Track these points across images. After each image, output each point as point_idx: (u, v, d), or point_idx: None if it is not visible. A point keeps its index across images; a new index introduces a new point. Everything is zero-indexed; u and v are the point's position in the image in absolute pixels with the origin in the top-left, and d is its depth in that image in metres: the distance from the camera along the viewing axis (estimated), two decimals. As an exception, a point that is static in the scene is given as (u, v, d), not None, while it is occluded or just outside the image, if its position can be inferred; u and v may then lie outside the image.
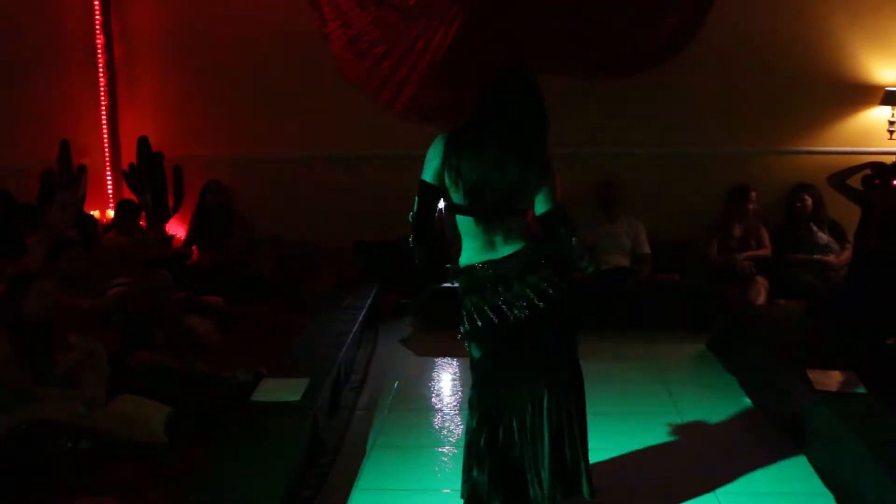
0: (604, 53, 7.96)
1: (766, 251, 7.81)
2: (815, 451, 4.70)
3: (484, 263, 3.86)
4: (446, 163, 3.79)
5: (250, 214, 8.40)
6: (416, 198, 3.89)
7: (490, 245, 3.86)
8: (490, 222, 3.84)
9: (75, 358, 5.16)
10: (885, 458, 4.00)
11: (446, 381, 6.28)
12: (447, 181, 3.82)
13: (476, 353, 4.01)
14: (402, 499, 4.42)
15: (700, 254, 7.99)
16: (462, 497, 4.03)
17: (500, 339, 3.90)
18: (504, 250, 3.86)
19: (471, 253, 3.90)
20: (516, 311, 3.84)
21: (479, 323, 3.88)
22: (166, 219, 8.54)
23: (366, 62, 8.30)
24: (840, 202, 7.31)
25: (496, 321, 3.85)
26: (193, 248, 8.33)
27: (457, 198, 3.83)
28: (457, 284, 4.07)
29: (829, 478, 4.46)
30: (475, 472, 3.94)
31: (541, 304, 3.83)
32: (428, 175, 3.85)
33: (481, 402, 3.97)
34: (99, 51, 8.51)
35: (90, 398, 5.00)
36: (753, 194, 7.87)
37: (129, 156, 8.48)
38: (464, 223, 3.89)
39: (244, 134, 8.53)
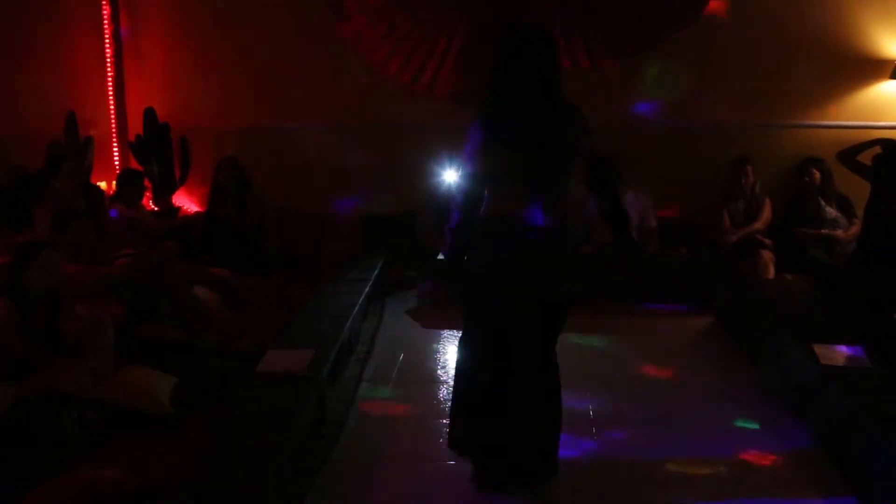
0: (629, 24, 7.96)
1: (757, 226, 7.81)
2: (821, 424, 4.70)
3: (498, 219, 3.87)
4: (487, 142, 3.80)
5: (257, 186, 8.39)
6: (463, 181, 3.98)
7: (508, 206, 3.85)
8: (532, 190, 3.83)
9: (81, 329, 5.18)
10: (890, 432, 4.00)
11: (452, 354, 6.26)
12: (489, 156, 3.82)
13: (471, 311, 4.02)
14: (407, 470, 4.43)
15: (713, 226, 7.98)
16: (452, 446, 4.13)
17: (500, 305, 3.91)
18: (535, 220, 3.84)
19: (488, 206, 3.90)
20: (521, 282, 3.85)
21: (485, 277, 3.91)
22: (173, 190, 8.53)
23: (375, 32, 8.26)
24: (848, 176, 7.28)
25: (502, 284, 3.87)
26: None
27: (499, 168, 3.82)
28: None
29: (834, 452, 4.46)
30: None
31: (546, 282, 3.87)
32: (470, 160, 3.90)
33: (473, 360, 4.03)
34: (105, 21, 8.49)
35: (96, 369, 5.03)
36: (749, 168, 7.85)
37: (136, 127, 8.48)
38: (499, 187, 3.87)
39: (251, 105, 8.51)
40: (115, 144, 8.73)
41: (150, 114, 8.36)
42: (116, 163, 8.72)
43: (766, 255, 7.49)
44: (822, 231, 7.63)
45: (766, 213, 7.85)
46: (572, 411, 5.04)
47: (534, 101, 3.80)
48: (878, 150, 6.79)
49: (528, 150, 3.78)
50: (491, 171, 3.83)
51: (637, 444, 4.68)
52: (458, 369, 4.16)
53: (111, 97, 8.66)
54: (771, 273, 7.37)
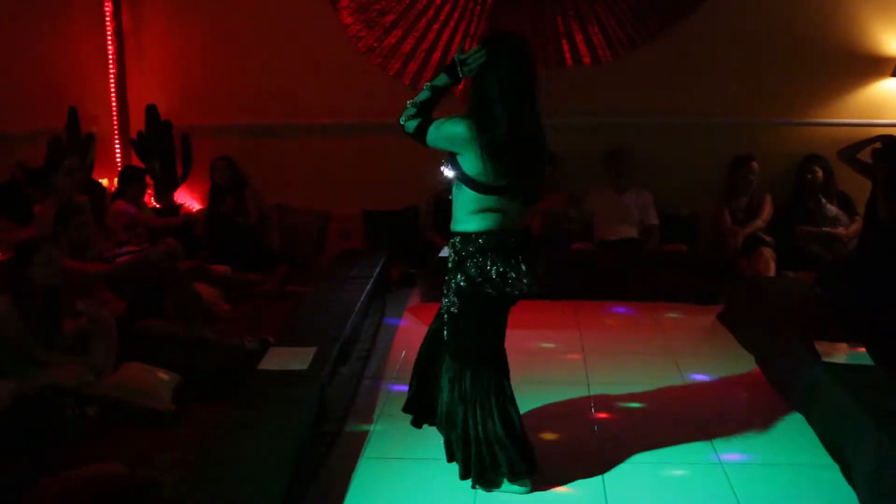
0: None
1: (759, 223, 7.80)
2: (822, 422, 4.71)
3: (500, 231, 3.93)
4: (480, 152, 3.81)
5: (258, 182, 8.39)
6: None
7: (510, 220, 3.95)
8: (521, 202, 3.94)
9: (83, 325, 5.18)
10: (890, 430, 4.00)
11: (453, 351, 6.27)
12: (479, 167, 3.83)
13: (466, 319, 4.07)
14: (408, 468, 4.43)
15: (714, 225, 7.99)
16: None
17: (496, 308, 4.03)
18: (521, 225, 3.99)
19: (486, 222, 3.93)
20: (507, 284, 3.94)
21: (485, 285, 3.95)
22: (174, 187, 8.54)
23: (375, 31, 8.28)
24: (850, 174, 7.27)
25: (499, 288, 3.94)
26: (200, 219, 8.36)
27: (490, 179, 3.85)
28: (455, 249, 4.09)
29: (835, 449, 4.47)
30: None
31: (524, 281, 3.98)
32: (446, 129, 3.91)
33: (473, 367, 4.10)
34: (107, 18, 8.48)
35: (98, 365, 5.04)
36: (754, 164, 7.85)
37: (138, 124, 8.47)
38: (486, 201, 3.91)
39: (253, 102, 8.50)
40: (116, 141, 8.72)
41: (151, 110, 8.36)
42: (118, 160, 8.71)
43: (767, 252, 7.48)
44: (823, 229, 7.63)
45: (768, 209, 7.84)
46: (575, 407, 5.08)
47: (528, 113, 3.86)
48: (877, 145, 6.79)
49: (525, 162, 3.87)
50: (489, 181, 3.86)
51: (639, 441, 4.68)
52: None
53: (113, 94, 8.64)
54: (772, 270, 7.37)
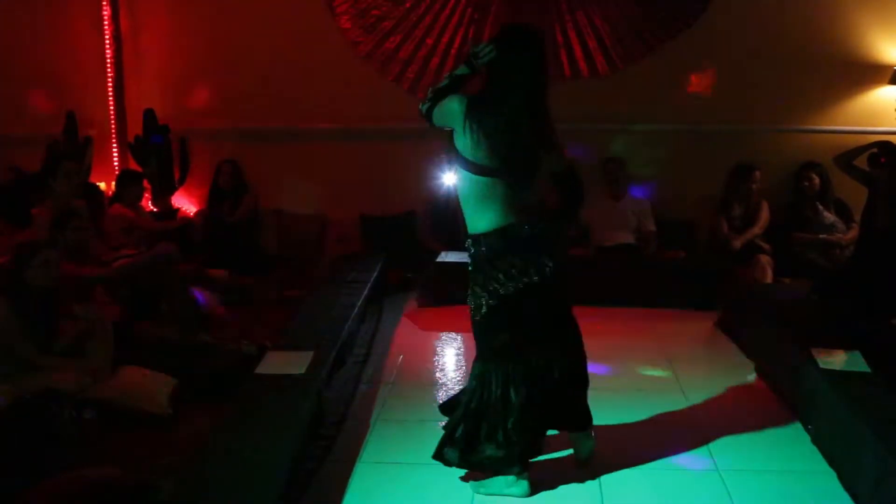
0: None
1: (756, 230, 7.81)
2: (819, 429, 4.70)
3: (507, 227, 3.94)
4: (469, 128, 3.87)
5: (256, 186, 8.38)
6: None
7: (511, 210, 3.94)
8: (516, 186, 3.94)
9: (80, 328, 5.18)
10: (887, 437, 4.00)
11: (450, 356, 6.28)
12: (469, 145, 3.88)
13: (489, 321, 4.06)
14: (405, 472, 4.42)
15: (713, 233, 7.99)
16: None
17: (518, 304, 4.00)
18: (523, 215, 3.96)
19: (491, 218, 3.95)
20: (527, 278, 3.96)
21: (501, 290, 3.98)
22: (172, 191, 8.53)
23: (373, 36, 8.29)
24: (846, 181, 7.28)
25: (516, 286, 3.96)
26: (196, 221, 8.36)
27: (482, 159, 3.89)
28: (470, 252, 4.09)
29: (832, 456, 4.46)
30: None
31: (547, 269, 3.98)
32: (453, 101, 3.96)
33: (492, 370, 4.07)
34: (105, 22, 8.48)
35: (95, 368, 5.03)
36: (757, 174, 7.85)
37: (135, 128, 8.47)
38: (483, 188, 3.93)
39: (251, 106, 8.50)
40: (114, 145, 8.72)
41: (149, 115, 8.36)
42: (116, 163, 8.71)
43: (764, 259, 7.49)
44: (820, 236, 7.64)
45: (765, 215, 7.85)
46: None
47: (527, 101, 3.90)
48: (874, 151, 6.79)
49: (522, 151, 3.89)
50: (478, 160, 3.90)
51: (636, 447, 4.68)
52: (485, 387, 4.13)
53: (111, 98, 8.63)
54: (769, 277, 7.38)
